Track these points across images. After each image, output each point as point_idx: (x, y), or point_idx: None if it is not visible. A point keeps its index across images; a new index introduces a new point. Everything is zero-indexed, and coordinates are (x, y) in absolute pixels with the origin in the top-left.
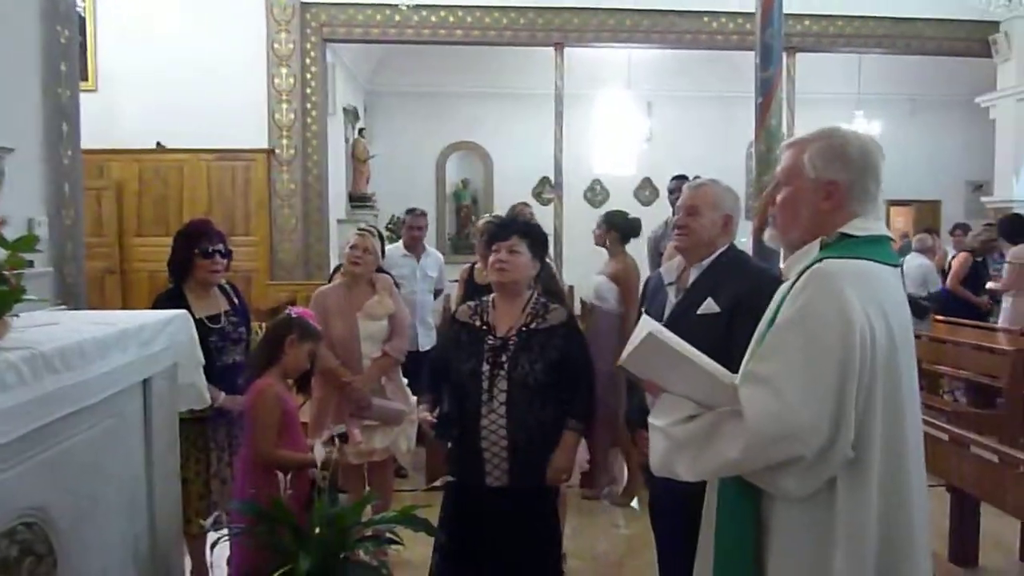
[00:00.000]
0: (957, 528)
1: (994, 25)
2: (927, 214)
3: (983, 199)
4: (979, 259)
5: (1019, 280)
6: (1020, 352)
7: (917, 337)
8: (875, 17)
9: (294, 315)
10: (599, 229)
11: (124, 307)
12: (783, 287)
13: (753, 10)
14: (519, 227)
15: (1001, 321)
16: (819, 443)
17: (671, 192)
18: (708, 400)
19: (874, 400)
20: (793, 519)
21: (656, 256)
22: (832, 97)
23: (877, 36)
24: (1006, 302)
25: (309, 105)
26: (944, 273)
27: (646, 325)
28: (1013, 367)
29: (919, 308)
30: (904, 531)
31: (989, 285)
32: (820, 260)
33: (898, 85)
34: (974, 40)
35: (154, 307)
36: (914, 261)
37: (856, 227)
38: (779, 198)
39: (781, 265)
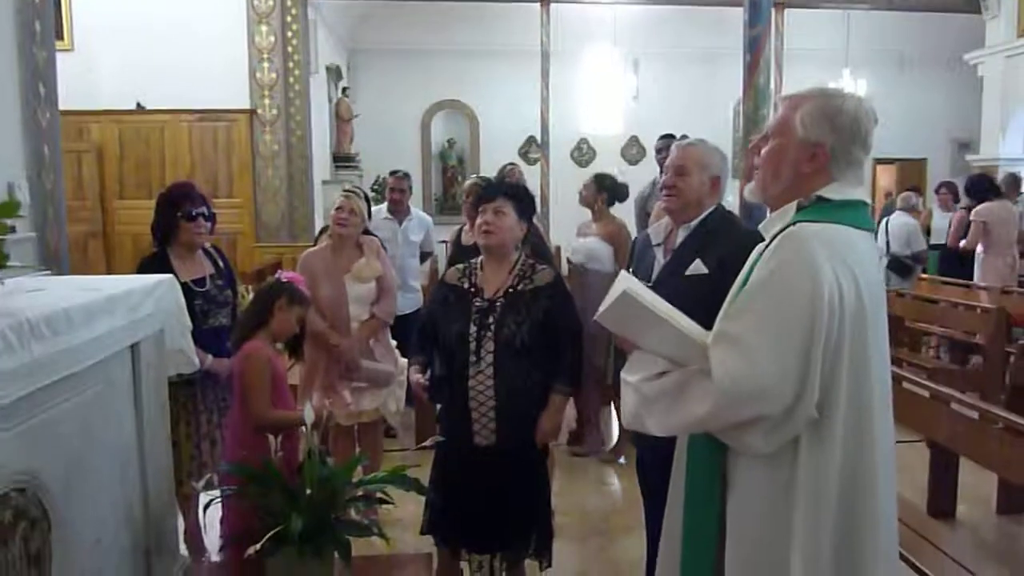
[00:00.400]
0: (936, 482)
1: None
2: (912, 172)
3: (968, 157)
4: None
5: (984, 238)
6: (1001, 310)
7: (901, 295)
8: None
9: (284, 280)
10: (587, 190)
11: (108, 271)
12: (758, 248)
13: None
14: (505, 188)
15: (976, 279)
16: (784, 403)
17: (658, 151)
18: (680, 358)
19: (840, 363)
20: (757, 476)
21: (643, 216)
22: (820, 54)
23: None
24: (978, 260)
25: (291, 64)
26: (928, 232)
27: (622, 282)
28: (995, 325)
29: (903, 267)
30: (866, 491)
31: (961, 244)
32: (795, 223)
33: (886, 42)
34: None
35: (138, 272)
36: (898, 220)
37: (833, 191)
38: (764, 150)
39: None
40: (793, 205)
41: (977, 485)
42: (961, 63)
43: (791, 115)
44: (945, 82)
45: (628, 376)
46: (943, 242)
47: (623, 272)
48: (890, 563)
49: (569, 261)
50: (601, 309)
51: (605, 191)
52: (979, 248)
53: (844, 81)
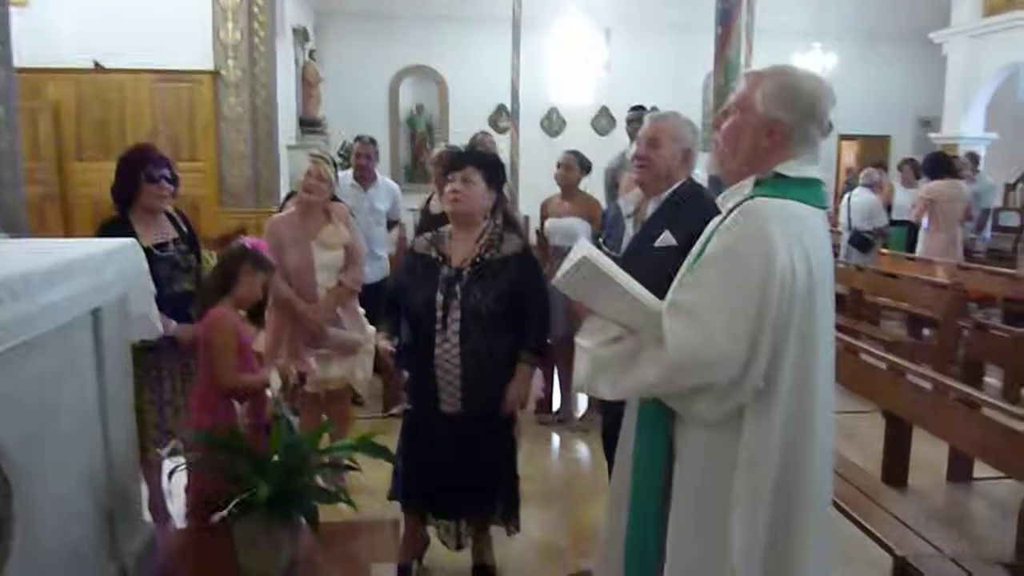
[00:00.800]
0: (890, 451)
1: None
2: (876, 149)
3: (931, 135)
4: None
5: (929, 214)
6: (956, 286)
7: (861, 270)
8: None
9: (248, 245)
10: (569, 171)
11: (66, 235)
12: (714, 221)
13: None
14: (474, 157)
15: (919, 253)
16: (732, 372)
17: (629, 123)
18: (634, 325)
19: (788, 337)
20: (701, 442)
21: (612, 187)
22: (791, 28)
23: None
24: (922, 235)
25: (256, 24)
26: (890, 208)
27: (581, 249)
28: (950, 301)
29: (864, 242)
30: (804, 460)
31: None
32: (751, 197)
33: (856, 18)
34: None
35: (99, 236)
36: (860, 195)
37: (790, 168)
38: (724, 125)
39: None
40: (751, 180)
41: (929, 454)
42: (927, 42)
43: (752, 91)
44: (912, 60)
45: (582, 340)
46: (907, 219)
47: (582, 239)
48: (821, 529)
49: (538, 232)
50: (559, 274)
51: (584, 169)
52: (924, 223)
53: (814, 55)
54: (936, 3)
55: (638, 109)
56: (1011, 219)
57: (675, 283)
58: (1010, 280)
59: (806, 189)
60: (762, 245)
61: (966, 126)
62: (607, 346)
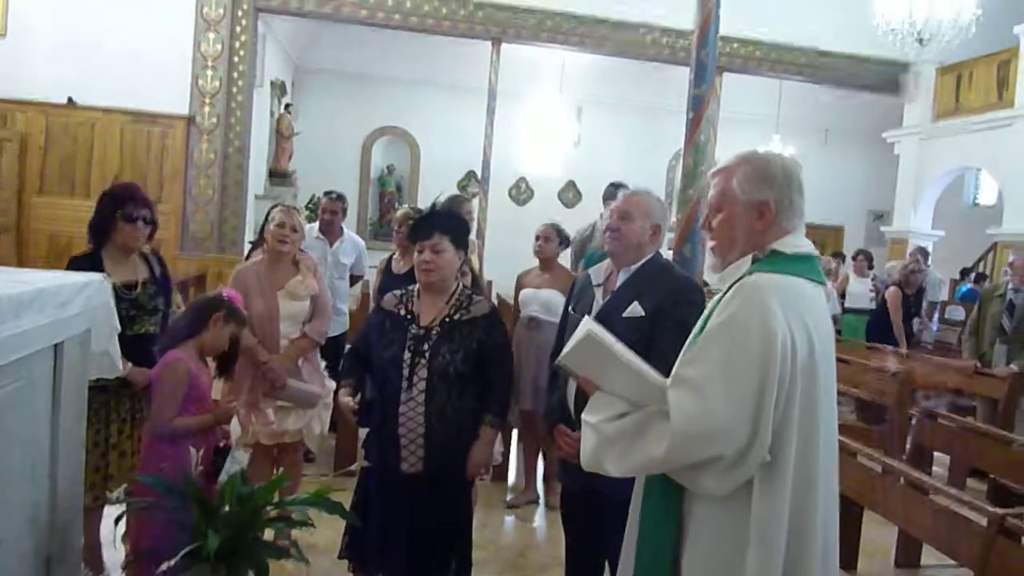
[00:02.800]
0: (841, 533)
1: (904, 66)
2: (830, 238)
3: (883, 228)
4: (907, 292)
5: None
6: (906, 373)
7: None
8: (798, 47)
9: (225, 295)
10: (549, 242)
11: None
12: (716, 297)
13: (686, 27)
14: (440, 222)
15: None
16: (738, 445)
17: (607, 198)
18: (639, 399)
19: (792, 407)
20: (711, 516)
21: (580, 256)
22: (753, 118)
23: (799, 65)
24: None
25: (236, 74)
26: (843, 296)
27: (586, 325)
28: (899, 389)
29: None
30: (810, 530)
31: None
32: (750, 273)
33: (814, 113)
34: (885, 78)
35: (68, 269)
36: None
37: (786, 244)
38: (715, 223)
39: (706, 276)
40: (749, 257)
41: (878, 538)
42: (880, 140)
43: (728, 184)
44: (865, 156)
45: (589, 417)
46: (859, 307)
47: (586, 317)
48: None
49: (502, 299)
50: (565, 350)
51: (565, 242)
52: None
53: (774, 146)
54: (890, 104)
55: (616, 186)
56: (957, 312)
57: (679, 358)
58: (956, 371)
59: (803, 264)
60: (762, 317)
61: (915, 222)
62: (613, 422)
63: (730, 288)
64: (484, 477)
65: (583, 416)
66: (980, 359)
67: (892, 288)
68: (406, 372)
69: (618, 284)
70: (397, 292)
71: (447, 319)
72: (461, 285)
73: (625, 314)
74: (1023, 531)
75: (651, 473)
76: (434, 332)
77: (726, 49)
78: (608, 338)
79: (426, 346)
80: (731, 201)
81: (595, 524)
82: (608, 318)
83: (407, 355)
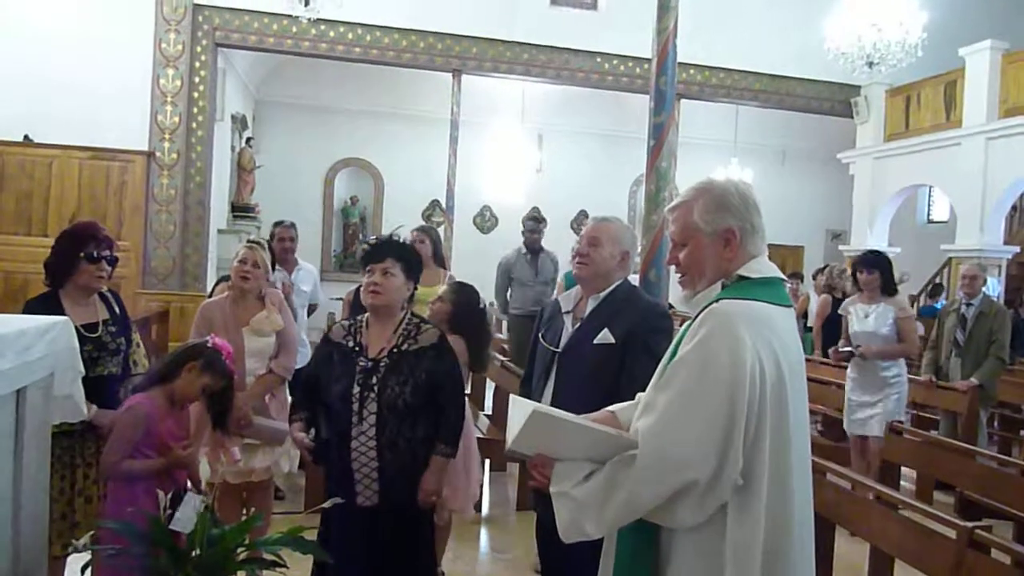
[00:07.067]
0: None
1: (856, 89)
2: (790, 258)
3: (840, 247)
4: (836, 297)
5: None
6: None
7: None
8: (753, 72)
9: (211, 344)
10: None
11: None
12: (686, 324)
13: (643, 55)
14: (394, 249)
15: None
16: (707, 469)
17: (529, 232)
18: (600, 454)
19: (763, 432)
20: (688, 546)
21: (506, 281)
22: (711, 143)
23: (754, 90)
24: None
25: (195, 109)
26: (805, 315)
27: (524, 405)
28: None
29: None
30: (785, 551)
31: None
32: (718, 300)
33: (770, 137)
34: (838, 101)
35: (26, 312)
36: None
37: (752, 269)
38: (682, 256)
39: (670, 300)
40: (718, 284)
41: (850, 555)
42: (835, 161)
43: (688, 218)
44: (821, 177)
45: (557, 487)
46: None
47: (514, 397)
48: None
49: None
50: (511, 438)
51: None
52: None
53: (732, 170)
54: (843, 126)
55: (536, 220)
56: (918, 329)
57: (650, 384)
58: (918, 386)
59: (770, 288)
60: (730, 342)
61: (872, 240)
62: (581, 485)
63: (699, 314)
64: (453, 509)
65: (551, 490)
66: (936, 373)
67: (823, 296)
68: (355, 407)
69: (587, 311)
70: (345, 323)
71: (395, 350)
72: (408, 314)
73: (596, 341)
74: (993, 543)
75: (634, 518)
76: (382, 364)
77: (683, 76)
78: (553, 409)
79: (375, 379)
80: (695, 233)
81: (571, 553)
82: (579, 346)
83: (356, 389)
